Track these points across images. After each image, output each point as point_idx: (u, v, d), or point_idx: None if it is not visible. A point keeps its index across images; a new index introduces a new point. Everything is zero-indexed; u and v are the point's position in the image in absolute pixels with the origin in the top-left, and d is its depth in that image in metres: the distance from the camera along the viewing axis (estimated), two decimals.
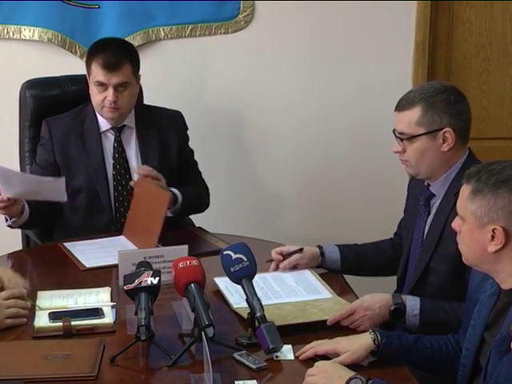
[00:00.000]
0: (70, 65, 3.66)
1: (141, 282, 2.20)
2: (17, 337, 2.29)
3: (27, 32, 3.70)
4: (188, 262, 2.23)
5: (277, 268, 2.74)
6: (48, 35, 3.72)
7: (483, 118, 4.08)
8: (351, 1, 3.86)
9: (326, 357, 2.13)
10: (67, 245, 2.99)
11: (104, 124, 3.21)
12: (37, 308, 2.41)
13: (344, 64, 3.96)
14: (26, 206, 3.01)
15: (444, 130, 2.50)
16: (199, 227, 3.28)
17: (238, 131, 4.01)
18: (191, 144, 3.39)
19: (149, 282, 2.20)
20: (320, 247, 2.78)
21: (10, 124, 3.55)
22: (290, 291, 2.58)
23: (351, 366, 2.07)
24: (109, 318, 2.35)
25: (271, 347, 2.14)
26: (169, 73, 3.86)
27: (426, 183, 2.62)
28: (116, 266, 2.62)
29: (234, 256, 2.28)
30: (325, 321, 2.33)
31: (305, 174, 4.07)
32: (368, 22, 3.92)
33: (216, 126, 3.95)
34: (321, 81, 3.97)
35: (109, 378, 2.09)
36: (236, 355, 2.15)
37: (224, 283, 2.54)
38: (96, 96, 3.14)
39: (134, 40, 3.74)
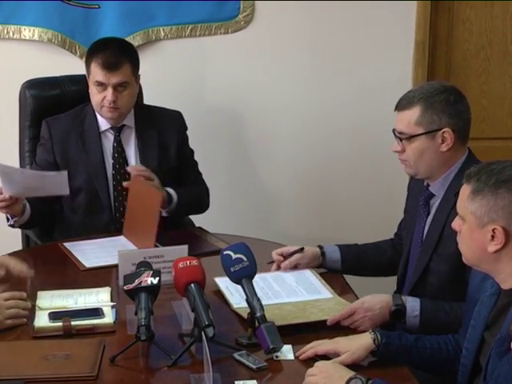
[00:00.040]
0: (69, 65, 3.66)
1: (141, 281, 2.20)
2: (17, 337, 2.29)
3: (27, 32, 3.70)
4: (188, 262, 2.23)
5: (278, 269, 2.74)
6: (48, 35, 3.72)
7: (483, 118, 4.08)
8: (351, 1, 3.85)
9: (326, 357, 2.13)
10: (67, 245, 2.99)
11: (104, 124, 3.21)
12: (37, 308, 2.41)
13: (344, 64, 3.96)
14: (27, 205, 3.01)
15: (443, 130, 2.50)
16: (199, 227, 3.28)
17: (237, 131, 4.01)
18: (191, 144, 3.39)
19: (149, 282, 2.20)
20: (321, 247, 2.78)
21: (10, 124, 3.54)
22: (291, 291, 2.58)
23: (351, 366, 2.07)
24: (109, 318, 2.35)
25: (271, 347, 2.14)
26: (169, 73, 3.85)
27: (425, 183, 2.62)
28: (116, 266, 2.62)
29: (233, 256, 2.28)
30: (325, 321, 2.33)
31: (305, 174, 4.07)
32: (368, 22, 3.92)
33: (216, 126, 3.95)
34: (321, 81, 3.97)
35: (109, 378, 2.09)
36: (236, 355, 2.15)
37: (224, 283, 2.54)
38: (95, 96, 3.14)
39: (134, 40, 3.74)
